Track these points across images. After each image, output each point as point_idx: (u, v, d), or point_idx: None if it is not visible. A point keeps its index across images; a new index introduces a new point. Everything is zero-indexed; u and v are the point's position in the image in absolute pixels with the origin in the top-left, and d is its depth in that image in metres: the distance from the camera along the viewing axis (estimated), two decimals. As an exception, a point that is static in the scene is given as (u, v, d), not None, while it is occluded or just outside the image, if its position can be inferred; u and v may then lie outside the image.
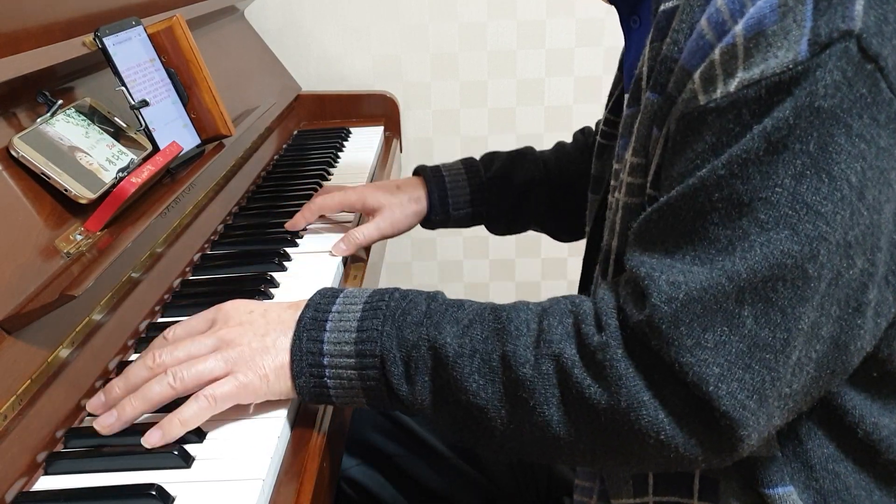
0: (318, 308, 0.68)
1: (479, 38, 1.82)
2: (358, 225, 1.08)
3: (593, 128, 1.13)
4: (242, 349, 0.67)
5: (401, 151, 1.72)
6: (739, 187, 0.54)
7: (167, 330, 0.72)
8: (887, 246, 0.55)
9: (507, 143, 1.90)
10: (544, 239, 1.97)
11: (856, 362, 0.58)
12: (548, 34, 1.82)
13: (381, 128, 1.67)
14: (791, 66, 0.52)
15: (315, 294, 0.70)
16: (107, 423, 0.66)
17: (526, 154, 1.10)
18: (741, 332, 0.55)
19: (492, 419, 0.62)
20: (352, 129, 1.64)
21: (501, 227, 1.12)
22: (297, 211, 1.17)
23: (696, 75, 0.56)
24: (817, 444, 0.63)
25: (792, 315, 0.55)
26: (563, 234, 1.14)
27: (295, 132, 1.63)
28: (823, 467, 0.63)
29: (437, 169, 1.09)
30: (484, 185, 1.07)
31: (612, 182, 0.69)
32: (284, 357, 0.67)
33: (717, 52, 0.55)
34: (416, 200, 1.07)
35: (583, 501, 0.75)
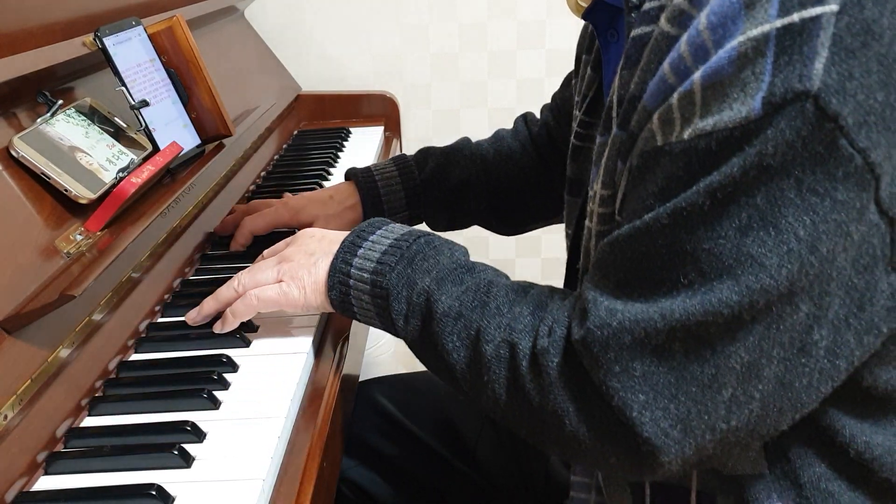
0: (359, 234, 0.76)
1: (479, 38, 1.82)
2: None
3: (538, 115, 1.12)
4: (292, 264, 0.79)
5: (401, 151, 1.72)
6: (683, 237, 0.55)
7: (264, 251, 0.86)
8: (844, 290, 0.55)
9: (507, 143, 1.90)
10: (544, 239, 1.97)
11: (810, 402, 0.58)
12: (548, 34, 1.82)
13: (381, 128, 1.67)
14: (743, 123, 0.51)
15: (364, 222, 0.78)
16: (191, 316, 0.82)
17: (462, 150, 1.07)
18: (670, 364, 0.56)
19: (459, 378, 0.68)
20: (352, 129, 1.64)
21: (441, 226, 1.09)
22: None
23: (656, 116, 0.56)
24: (807, 463, 0.63)
25: (722, 353, 0.55)
26: (506, 228, 1.13)
27: (295, 132, 1.63)
28: (815, 486, 0.63)
29: (368, 172, 1.06)
30: (418, 186, 1.05)
31: (590, 206, 0.69)
32: (322, 274, 0.77)
33: (675, 96, 0.55)
34: (351, 209, 1.05)
35: (580, 498, 0.75)
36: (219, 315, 0.82)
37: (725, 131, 0.52)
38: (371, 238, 0.75)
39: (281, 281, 0.78)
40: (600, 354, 0.58)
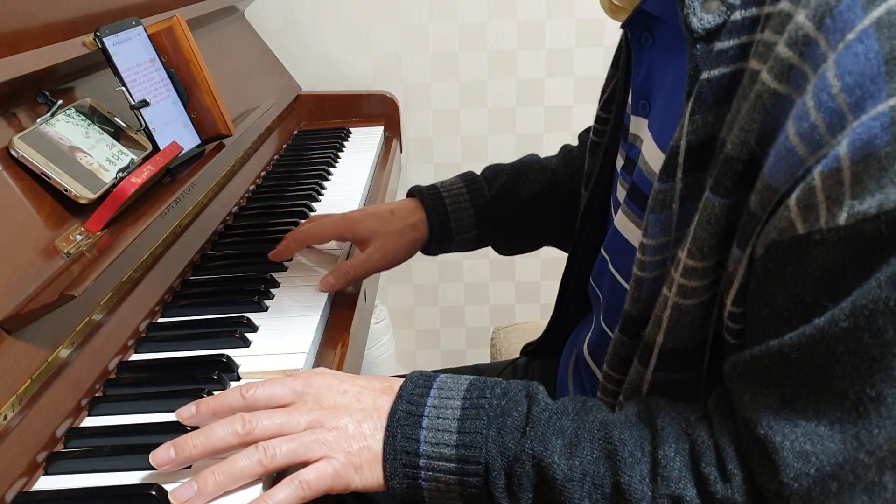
0: (411, 400, 0.62)
1: (479, 38, 1.82)
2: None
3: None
4: (338, 434, 0.61)
5: (401, 151, 1.72)
6: (868, 340, 0.48)
7: (243, 387, 0.64)
8: None
9: (507, 143, 1.90)
10: (544, 239, 1.97)
11: None
12: (548, 34, 1.82)
13: (381, 128, 1.67)
14: None
15: (407, 381, 0.64)
16: (185, 497, 0.58)
17: (531, 164, 1.01)
18: (883, 497, 0.50)
19: None
20: (352, 129, 1.64)
21: (509, 247, 1.03)
22: (297, 211, 1.17)
23: (792, 200, 0.49)
24: None
25: None
26: None
27: (295, 132, 1.63)
28: None
29: (434, 190, 0.99)
30: (489, 204, 0.98)
31: (640, 256, 0.64)
32: (378, 449, 0.61)
33: (816, 175, 0.47)
34: (413, 227, 0.97)
35: None
36: None
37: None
38: (429, 402, 0.62)
39: (328, 457, 0.61)
40: None
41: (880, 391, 0.48)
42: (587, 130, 1.06)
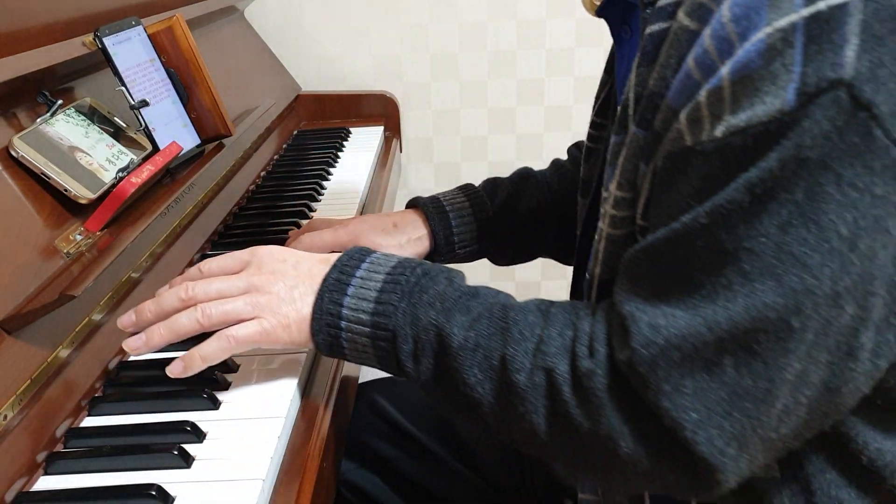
0: (343, 270, 0.70)
1: (479, 38, 1.82)
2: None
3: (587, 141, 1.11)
4: (271, 297, 0.70)
5: (401, 151, 1.72)
6: (723, 236, 0.53)
7: (202, 262, 0.75)
8: (886, 289, 0.54)
9: (507, 143, 1.90)
10: (544, 239, 1.97)
11: (851, 403, 0.58)
12: (548, 34, 1.82)
13: (381, 128, 1.67)
14: (777, 115, 0.50)
15: (344, 254, 0.72)
16: (134, 346, 0.71)
17: (528, 178, 1.02)
18: (721, 379, 0.54)
19: (485, 413, 0.64)
20: (352, 129, 1.64)
21: (506, 258, 1.04)
22: (297, 211, 1.17)
23: (683, 115, 0.55)
24: (818, 469, 0.63)
25: (775, 366, 0.54)
26: (572, 259, 1.08)
27: (295, 132, 1.63)
28: (825, 493, 0.63)
29: (437, 202, 0.99)
30: (491, 219, 0.99)
31: (603, 207, 0.68)
32: (307, 311, 0.69)
33: (703, 93, 0.54)
34: (417, 241, 0.97)
35: None
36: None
37: (760, 126, 0.51)
38: (358, 274, 0.69)
39: (259, 317, 0.70)
40: (649, 375, 0.56)
41: (730, 280, 0.53)
42: (577, 145, 1.06)
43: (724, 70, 0.52)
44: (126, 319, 0.72)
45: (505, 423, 0.63)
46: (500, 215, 0.99)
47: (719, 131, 0.53)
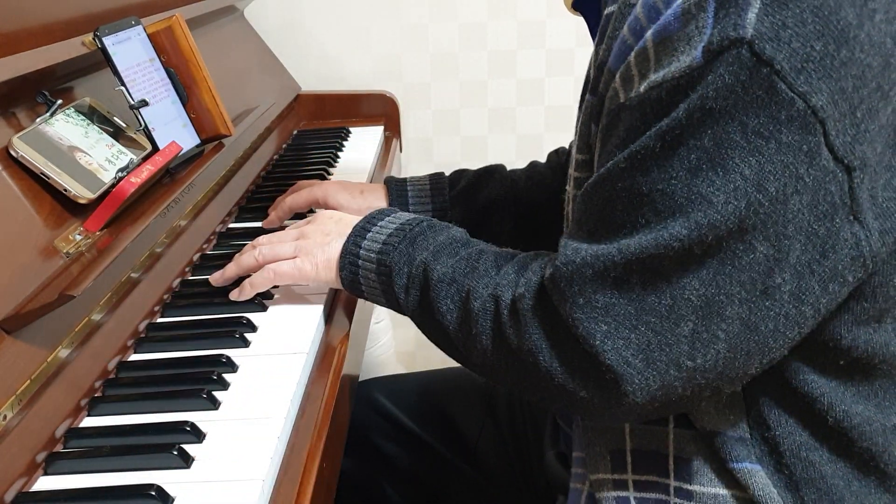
0: (369, 220, 0.83)
1: (479, 38, 1.82)
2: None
3: (567, 147, 1.12)
4: (309, 242, 0.85)
5: (401, 151, 1.72)
6: (639, 179, 0.59)
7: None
8: (804, 235, 0.57)
9: (507, 143, 1.90)
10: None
11: (777, 346, 0.61)
12: (548, 34, 1.82)
13: (381, 128, 1.67)
14: (687, 71, 0.56)
15: (375, 210, 0.85)
16: (214, 278, 0.90)
17: (494, 172, 1.09)
18: (629, 295, 0.60)
19: (453, 339, 0.73)
20: (352, 129, 1.64)
21: None
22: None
23: (618, 76, 0.62)
24: (788, 430, 0.66)
25: (677, 284, 0.59)
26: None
27: (295, 132, 1.63)
28: (795, 455, 0.66)
29: (402, 182, 1.10)
30: (447, 203, 1.08)
31: (572, 172, 0.74)
32: (335, 253, 0.83)
33: (632, 54, 0.60)
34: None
35: (577, 489, 0.76)
36: (238, 282, 0.89)
37: (673, 80, 0.57)
38: (380, 223, 0.82)
39: (296, 257, 0.84)
40: (566, 288, 0.62)
41: (647, 219, 0.59)
42: (556, 151, 1.12)
43: (649, 33, 0.59)
44: (217, 276, 0.90)
45: (466, 348, 0.72)
46: (456, 201, 1.08)
47: (643, 87, 0.59)
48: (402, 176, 1.12)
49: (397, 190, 1.09)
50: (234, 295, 0.88)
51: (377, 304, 0.83)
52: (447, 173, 1.11)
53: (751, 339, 0.60)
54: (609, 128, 0.63)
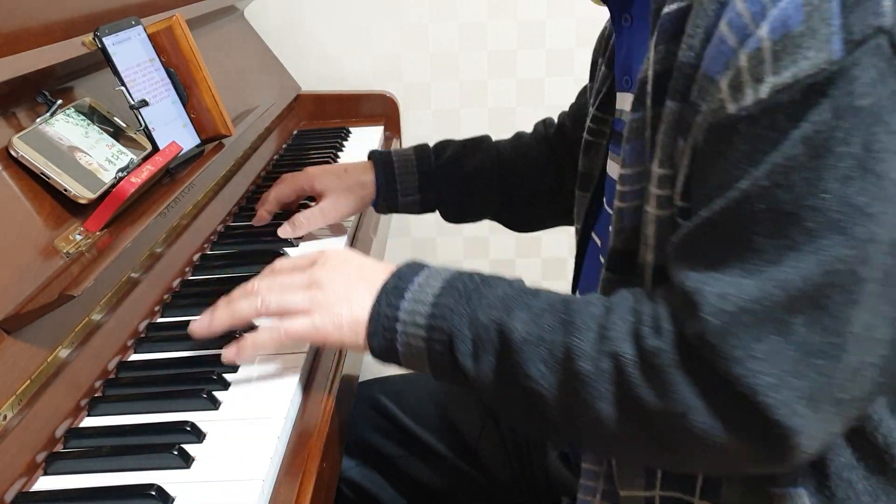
0: (402, 277, 0.70)
1: (479, 38, 1.82)
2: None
3: (555, 119, 1.13)
4: (327, 294, 0.70)
5: (401, 151, 1.72)
6: (784, 196, 0.53)
7: (276, 261, 0.77)
8: None
9: (506, 143, 1.90)
10: (544, 239, 1.97)
11: None
12: (548, 34, 1.82)
13: (381, 128, 1.67)
14: (825, 66, 0.51)
15: (403, 264, 0.72)
16: (198, 327, 0.74)
17: (480, 142, 1.08)
18: (792, 339, 0.54)
19: (549, 407, 0.63)
20: (352, 129, 1.64)
21: (453, 214, 1.10)
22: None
23: (723, 83, 0.55)
24: (836, 451, 0.63)
25: (844, 319, 0.54)
26: (518, 224, 1.13)
27: (295, 132, 1.63)
28: (838, 475, 0.63)
29: (387, 154, 1.08)
30: (433, 172, 1.06)
31: (619, 187, 0.68)
32: (363, 313, 0.69)
33: (742, 57, 0.54)
34: (361, 185, 1.06)
35: (586, 500, 0.75)
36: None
37: (807, 79, 0.52)
38: (417, 280, 0.69)
39: (313, 313, 0.70)
40: (720, 343, 0.55)
41: (795, 240, 0.53)
42: (543, 122, 1.12)
43: (762, 31, 0.53)
44: (201, 327, 0.74)
45: (570, 416, 0.62)
46: (442, 170, 1.06)
47: (764, 92, 0.53)
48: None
49: (383, 162, 1.07)
50: (229, 355, 0.73)
51: (413, 370, 0.70)
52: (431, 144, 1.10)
53: (894, 359, 0.56)
54: (718, 144, 0.57)
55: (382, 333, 0.68)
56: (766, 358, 0.54)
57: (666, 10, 0.61)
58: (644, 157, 0.66)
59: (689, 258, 0.59)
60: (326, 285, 0.71)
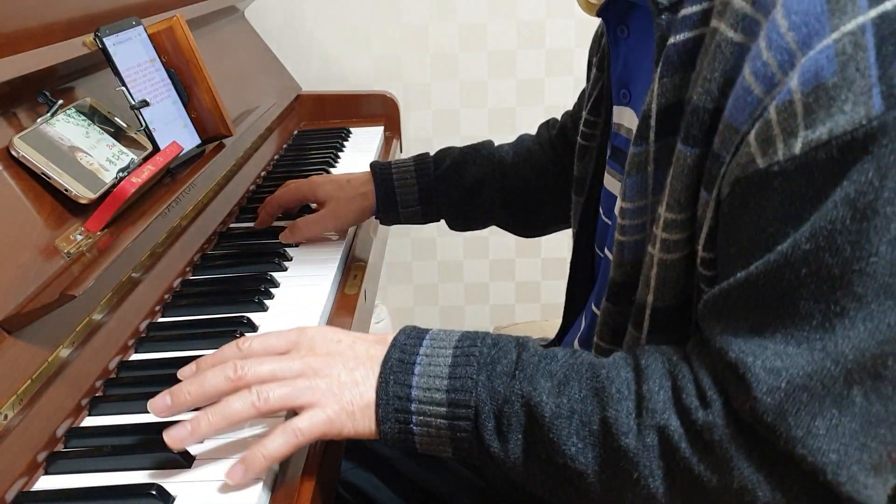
0: (404, 350, 0.63)
1: (479, 38, 1.82)
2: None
3: (558, 119, 1.13)
4: (331, 381, 0.63)
5: (401, 151, 1.72)
6: (829, 260, 0.50)
7: (240, 340, 0.67)
8: None
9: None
10: (544, 239, 1.96)
11: None
12: (548, 34, 1.82)
13: (382, 128, 1.67)
14: (865, 122, 0.48)
15: (400, 334, 0.65)
16: (179, 437, 0.61)
17: (480, 150, 1.07)
18: (852, 411, 0.52)
19: (590, 484, 0.59)
20: (352, 129, 1.64)
21: (458, 223, 1.09)
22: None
23: (751, 136, 0.52)
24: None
25: None
26: (524, 230, 1.12)
27: (295, 132, 1.63)
28: None
29: (387, 166, 1.08)
30: (433, 182, 1.06)
31: (620, 221, 0.66)
32: (371, 396, 0.62)
33: (771, 110, 0.51)
34: (362, 196, 1.06)
35: None
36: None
37: (845, 136, 0.49)
38: (422, 351, 0.63)
39: (320, 404, 0.62)
40: (778, 423, 0.52)
41: (844, 306, 0.51)
42: (547, 123, 1.11)
43: (793, 83, 0.50)
44: (160, 403, 0.63)
45: (615, 492, 0.59)
46: (442, 181, 1.05)
47: (797, 148, 0.50)
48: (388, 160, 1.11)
49: (381, 172, 1.06)
50: (235, 474, 0.60)
51: (433, 454, 0.64)
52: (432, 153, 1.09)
53: None
54: (746, 199, 0.54)
55: (395, 417, 0.61)
56: (828, 434, 0.52)
57: (672, 40, 0.59)
58: (646, 191, 0.64)
59: (726, 320, 0.56)
60: (326, 370, 0.63)
